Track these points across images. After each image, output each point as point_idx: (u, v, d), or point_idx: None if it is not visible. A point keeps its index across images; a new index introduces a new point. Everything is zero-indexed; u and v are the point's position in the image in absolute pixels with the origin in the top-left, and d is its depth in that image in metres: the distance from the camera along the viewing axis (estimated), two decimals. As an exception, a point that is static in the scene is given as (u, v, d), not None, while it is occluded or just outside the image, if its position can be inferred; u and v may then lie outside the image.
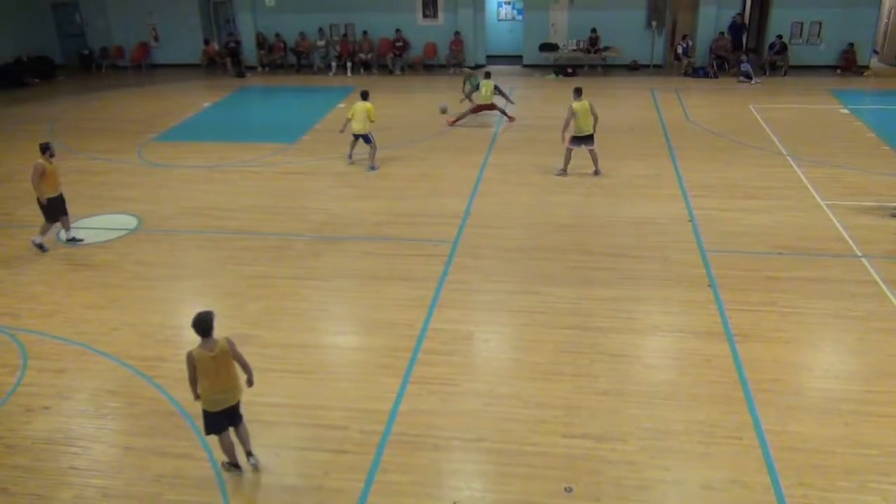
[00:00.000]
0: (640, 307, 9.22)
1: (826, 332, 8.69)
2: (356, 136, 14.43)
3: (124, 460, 6.88)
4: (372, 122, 14.26)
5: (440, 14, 23.98)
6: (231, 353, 6.34)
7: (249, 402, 7.53)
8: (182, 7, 24.76)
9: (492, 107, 17.26)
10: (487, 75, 17.49)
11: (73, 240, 11.44)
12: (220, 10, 25.67)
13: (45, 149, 11.03)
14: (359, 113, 14.17)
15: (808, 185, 13.00)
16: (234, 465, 6.64)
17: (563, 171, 13.73)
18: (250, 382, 6.59)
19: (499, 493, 6.39)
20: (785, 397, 7.44)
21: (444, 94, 20.25)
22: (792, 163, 14.24)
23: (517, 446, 6.87)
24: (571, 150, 13.61)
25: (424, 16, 24.09)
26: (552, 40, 23.82)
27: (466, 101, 18.03)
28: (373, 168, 14.41)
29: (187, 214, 12.49)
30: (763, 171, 13.81)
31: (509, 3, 25.79)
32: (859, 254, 10.40)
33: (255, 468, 6.64)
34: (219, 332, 8.22)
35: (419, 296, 9.54)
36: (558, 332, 8.70)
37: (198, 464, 6.77)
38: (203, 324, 6.20)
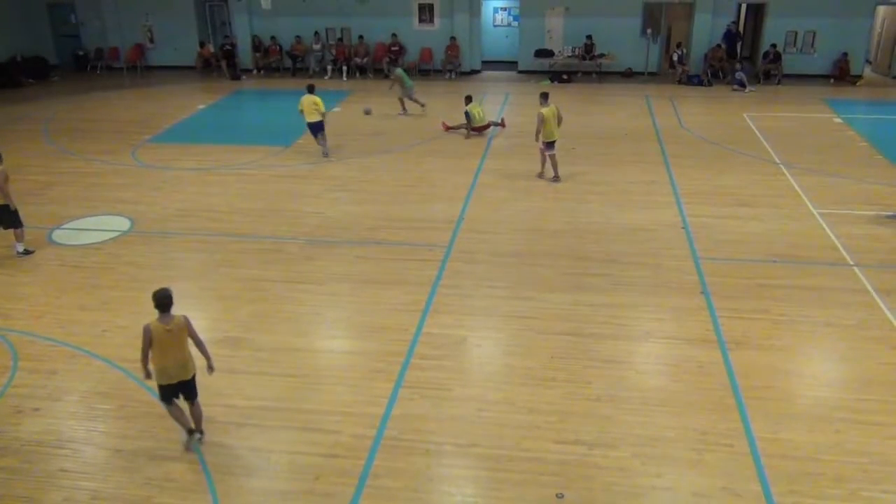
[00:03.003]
0: (633, 314, 9.24)
1: (818, 340, 8.72)
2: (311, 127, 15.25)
3: (114, 463, 6.85)
4: (323, 112, 15.12)
5: (436, 19, 24.02)
6: (187, 330, 6.66)
7: (242, 406, 7.54)
8: (178, 9, 24.72)
9: (488, 126, 17.17)
10: (469, 99, 17.12)
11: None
12: (215, 13, 25.64)
13: None
14: (308, 105, 14.99)
15: (801, 194, 13.05)
16: (187, 431, 6.90)
17: (556, 178, 13.77)
18: (210, 367, 6.87)
19: (491, 498, 6.38)
20: (776, 405, 7.46)
21: (440, 99, 20.28)
22: (785, 171, 14.30)
23: (509, 452, 6.86)
24: (552, 154, 13.68)
25: (420, 21, 24.13)
26: (548, 47, 23.88)
27: (408, 101, 18.72)
28: (326, 155, 15.38)
29: (181, 216, 12.46)
30: (756, 179, 13.86)
31: (505, 9, 25.85)
32: (851, 262, 10.44)
33: (199, 442, 6.93)
34: (210, 333, 8.22)
35: (413, 300, 9.53)
36: (551, 337, 8.70)
37: (188, 467, 6.74)
38: (163, 299, 6.55)
